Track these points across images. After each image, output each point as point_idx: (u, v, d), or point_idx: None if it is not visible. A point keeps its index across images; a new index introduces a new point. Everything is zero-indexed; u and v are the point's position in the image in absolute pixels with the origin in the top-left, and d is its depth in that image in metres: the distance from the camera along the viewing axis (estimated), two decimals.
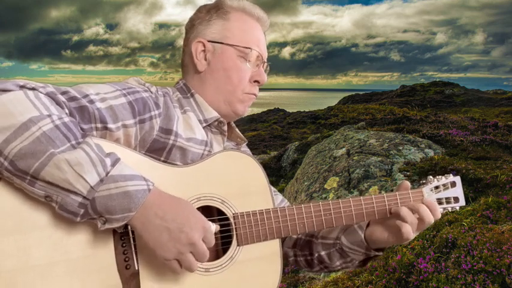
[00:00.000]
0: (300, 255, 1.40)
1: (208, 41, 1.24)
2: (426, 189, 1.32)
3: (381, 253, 1.30)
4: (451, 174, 1.39)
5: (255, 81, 1.27)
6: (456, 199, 1.37)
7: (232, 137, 1.36)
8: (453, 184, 1.37)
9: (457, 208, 1.39)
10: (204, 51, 1.24)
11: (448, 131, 8.72)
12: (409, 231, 1.19)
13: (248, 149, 1.45)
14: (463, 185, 1.40)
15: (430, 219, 1.22)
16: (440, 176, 1.37)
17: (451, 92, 26.88)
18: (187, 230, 0.95)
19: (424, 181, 1.35)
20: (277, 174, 10.47)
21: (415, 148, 7.19)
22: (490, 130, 9.48)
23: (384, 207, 1.25)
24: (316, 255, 1.35)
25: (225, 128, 1.24)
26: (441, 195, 1.35)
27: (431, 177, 1.36)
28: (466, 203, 4.95)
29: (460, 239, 3.90)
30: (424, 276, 3.65)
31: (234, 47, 1.23)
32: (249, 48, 1.23)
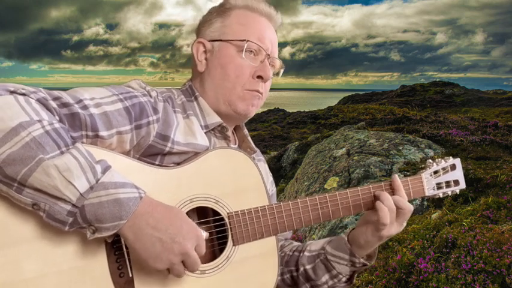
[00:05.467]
0: (286, 272, 1.37)
1: (209, 41, 1.22)
2: (425, 175, 1.30)
3: (367, 263, 1.26)
4: (450, 157, 1.35)
5: (258, 76, 1.20)
6: (456, 182, 1.34)
7: (243, 146, 1.33)
8: (453, 167, 1.33)
9: (457, 191, 1.35)
10: (205, 51, 1.22)
11: (448, 131, 8.71)
12: (386, 214, 1.16)
13: (263, 157, 1.42)
14: None
15: (392, 206, 1.18)
16: (439, 159, 1.34)
17: (451, 92, 26.87)
18: (180, 239, 0.93)
19: (423, 166, 1.33)
20: (277, 174, 10.46)
21: (415, 148, 7.18)
22: (490, 130, 9.47)
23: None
24: (302, 269, 1.32)
25: (229, 133, 1.21)
26: (441, 180, 1.32)
27: (430, 160, 1.33)
28: (466, 203, 4.95)
29: (460, 239, 3.89)
30: (424, 276, 3.64)
31: (230, 42, 1.19)
32: (245, 40, 1.18)
